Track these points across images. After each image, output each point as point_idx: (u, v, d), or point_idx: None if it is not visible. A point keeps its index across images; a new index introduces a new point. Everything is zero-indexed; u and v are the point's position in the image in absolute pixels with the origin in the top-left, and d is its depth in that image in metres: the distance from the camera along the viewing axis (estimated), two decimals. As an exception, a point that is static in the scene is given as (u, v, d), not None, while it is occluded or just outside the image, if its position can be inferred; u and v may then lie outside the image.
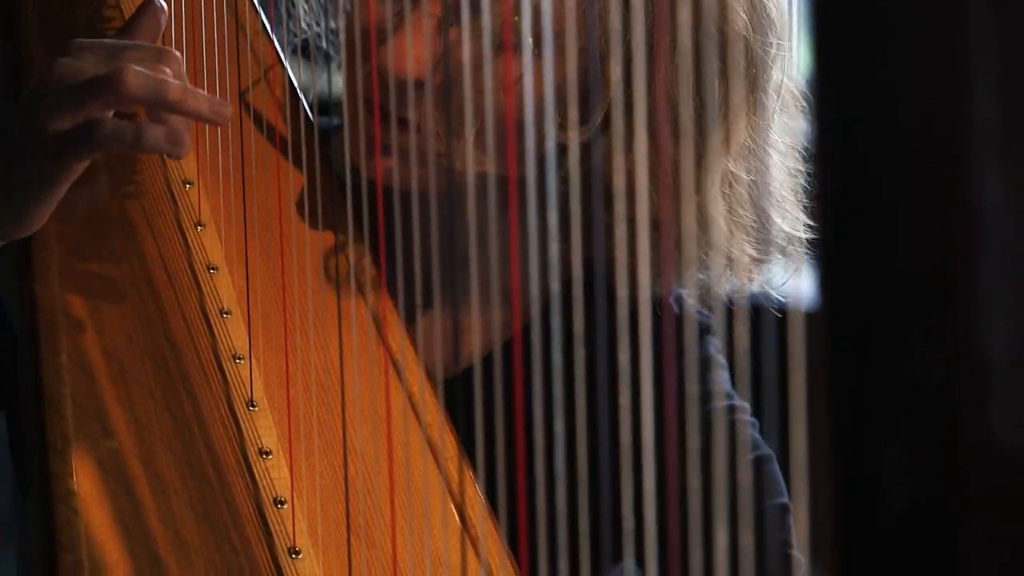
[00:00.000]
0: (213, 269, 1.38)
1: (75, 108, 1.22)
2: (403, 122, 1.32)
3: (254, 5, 1.51)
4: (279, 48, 1.49)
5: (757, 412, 1.42)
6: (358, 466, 1.29)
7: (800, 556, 1.34)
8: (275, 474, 1.29)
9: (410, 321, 1.40)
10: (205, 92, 1.25)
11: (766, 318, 0.89)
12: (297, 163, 1.43)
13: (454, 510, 1.31)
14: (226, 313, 1.36)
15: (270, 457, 1.30)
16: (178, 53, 1.28)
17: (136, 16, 1.30)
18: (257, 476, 1.29)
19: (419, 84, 1.29)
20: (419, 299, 1.36)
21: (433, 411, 1.34)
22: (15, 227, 1.29)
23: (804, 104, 1.38)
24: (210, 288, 1.37)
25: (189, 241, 1.39)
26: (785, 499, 1.40)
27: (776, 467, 1.41)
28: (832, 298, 0.70)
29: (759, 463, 1.40)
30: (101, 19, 1.49)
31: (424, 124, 1.31)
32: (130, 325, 1.33)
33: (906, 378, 0.67)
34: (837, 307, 0.70)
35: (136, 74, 1.21)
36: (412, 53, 1.29)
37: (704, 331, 1.46)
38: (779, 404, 0.92)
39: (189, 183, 1.44)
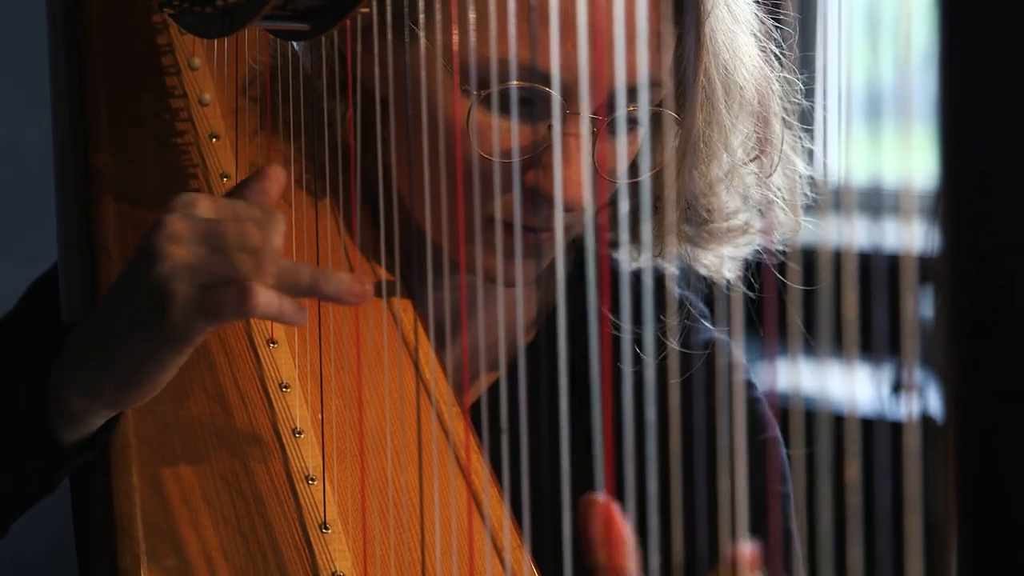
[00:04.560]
0: (286, 387, 1.35)
1: (212, 273, 1.16)
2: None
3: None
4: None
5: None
6: (437, 591, 1.25)
7: None
8: None
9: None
10: (339, 274, 1.19)
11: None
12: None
13: None
14: (299, 433, 1.33)
15: None
16: (282, 214, 1.20)
17: (249, 179, 1.24)
18: None
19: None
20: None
21: (516, 535, 1.29)
22: (126, 395, 1.22)
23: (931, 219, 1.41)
24: (282, 407, 1.34)
25: (262, 359, 1.36)
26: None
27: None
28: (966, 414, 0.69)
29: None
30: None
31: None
32: (201, 445, 1.30)
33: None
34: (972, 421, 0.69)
35: (275, 261, 1.17)
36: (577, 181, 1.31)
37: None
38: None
39: None
